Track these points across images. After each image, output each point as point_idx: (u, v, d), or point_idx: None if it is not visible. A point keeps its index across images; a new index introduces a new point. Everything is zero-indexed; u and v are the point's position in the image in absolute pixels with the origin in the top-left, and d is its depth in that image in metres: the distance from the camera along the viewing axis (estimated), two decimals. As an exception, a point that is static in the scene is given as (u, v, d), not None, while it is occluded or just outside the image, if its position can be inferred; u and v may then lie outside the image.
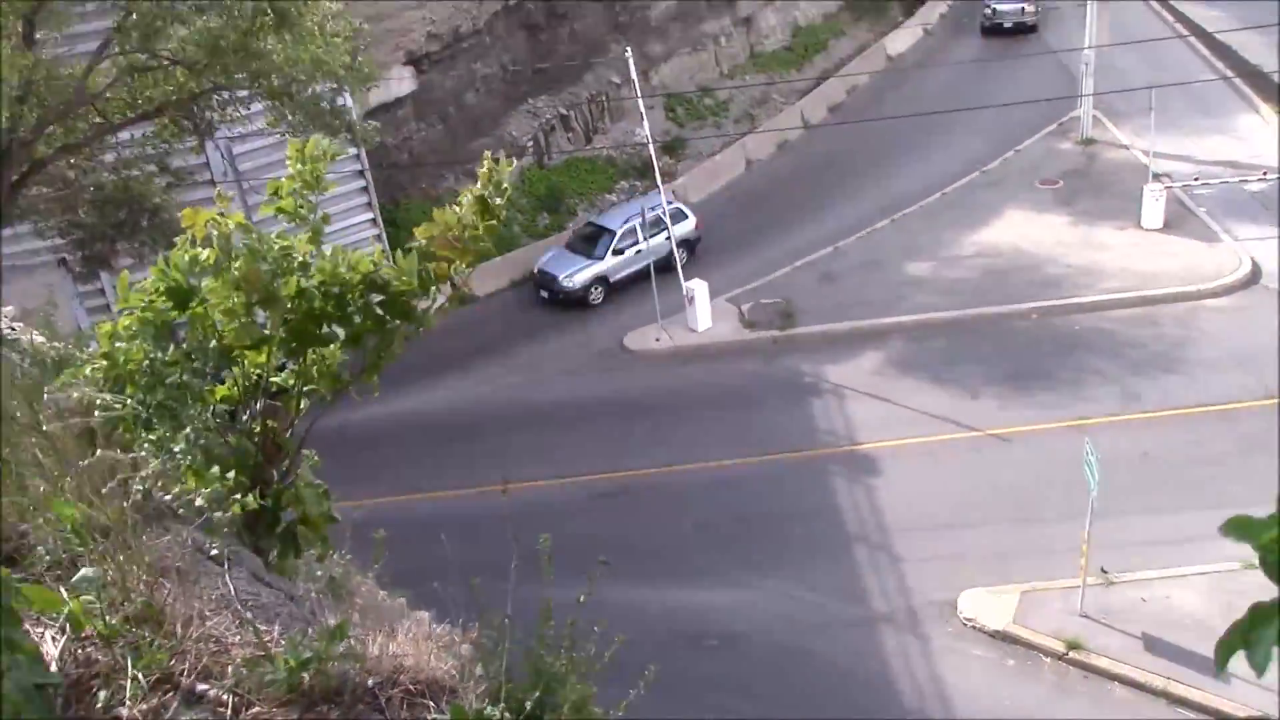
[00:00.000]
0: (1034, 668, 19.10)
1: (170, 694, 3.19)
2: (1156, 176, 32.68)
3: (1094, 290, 29.63)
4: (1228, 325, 27.49)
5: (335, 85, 20.18)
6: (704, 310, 29.96)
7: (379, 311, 5.70)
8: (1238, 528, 1.71)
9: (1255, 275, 29.40)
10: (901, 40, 48.38)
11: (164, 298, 5.31)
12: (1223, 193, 32.71)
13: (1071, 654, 18.91)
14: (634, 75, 31.85)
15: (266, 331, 5.29)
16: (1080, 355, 27.25)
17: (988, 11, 47.76)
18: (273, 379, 5.63)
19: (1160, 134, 33.19)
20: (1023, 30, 46.79)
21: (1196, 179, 33.26)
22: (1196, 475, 22.27)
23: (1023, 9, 47.02)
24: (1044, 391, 25.94)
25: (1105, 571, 19.79)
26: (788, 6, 47.36)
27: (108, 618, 3.24)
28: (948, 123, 36.66)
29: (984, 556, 21.10)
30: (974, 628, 19.85)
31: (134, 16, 17.47)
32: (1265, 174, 32.81)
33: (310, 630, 3.75)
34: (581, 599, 5.49)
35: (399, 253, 5.81)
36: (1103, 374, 26.37)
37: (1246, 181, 32.89)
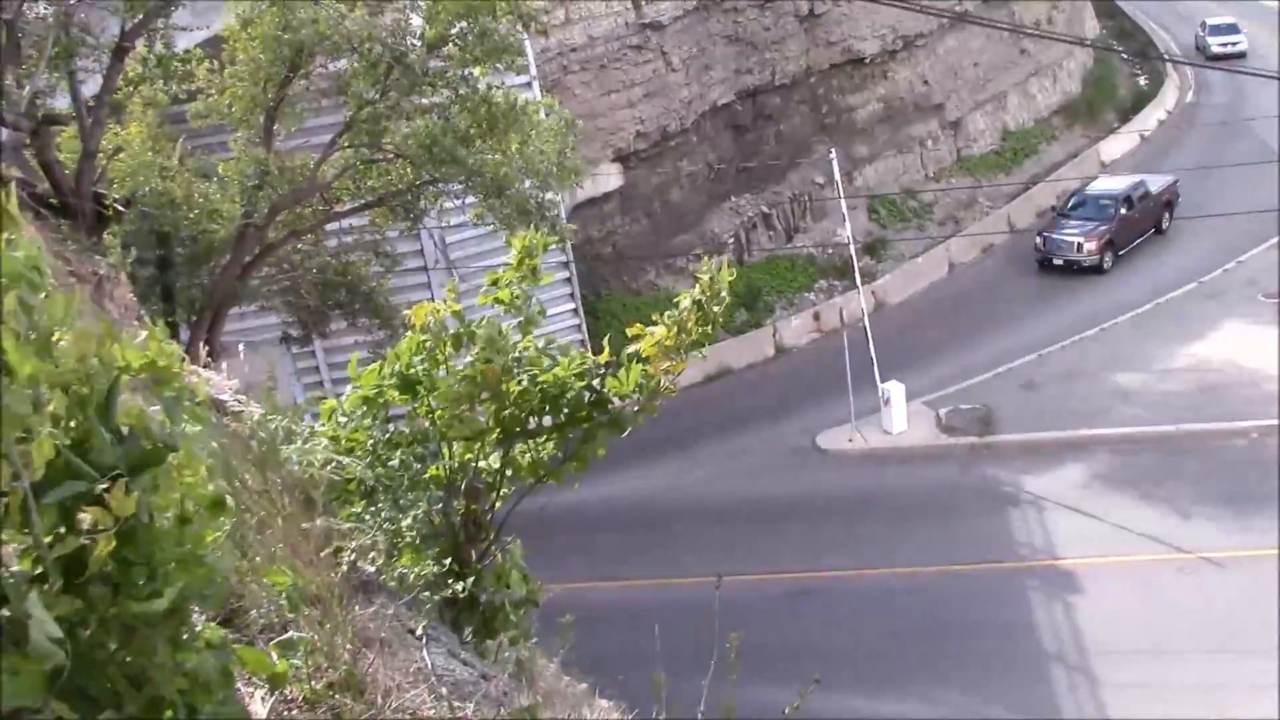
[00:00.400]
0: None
1: (368, 761, 3.31)
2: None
3: (1318, 410, 27.97)
4: None
5: (542, 184, 20.90)
6: (900, 413, 29.51)
7: (591, 412, 5.85)
8: None
9: None
10: (1117, 146, 47.23)
11: (393, 382, 5.58)
12: None
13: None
14: (837, 175, 31.97)
15: (483, 424, 5.50)
16: (1302, 479, 25.68)
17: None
18: (480, 464, 5.82)
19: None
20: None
21: None
22: None
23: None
24: (1260, 516, 24.47)
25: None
26: (997, 111, 46.94)
27: (313, 683, 3.38)
28: (1166, 235, 35.49)
29: (1188, 687, 19.88)
30: (1178, 762, 18.72)
31: (364, 114, 18.54)
32: None
33: (502, 709, 3.83)
34: (789, 709, 5.42)
35: (623, 368, 5.93)
36: (1326, 500, 24.76)
37: None
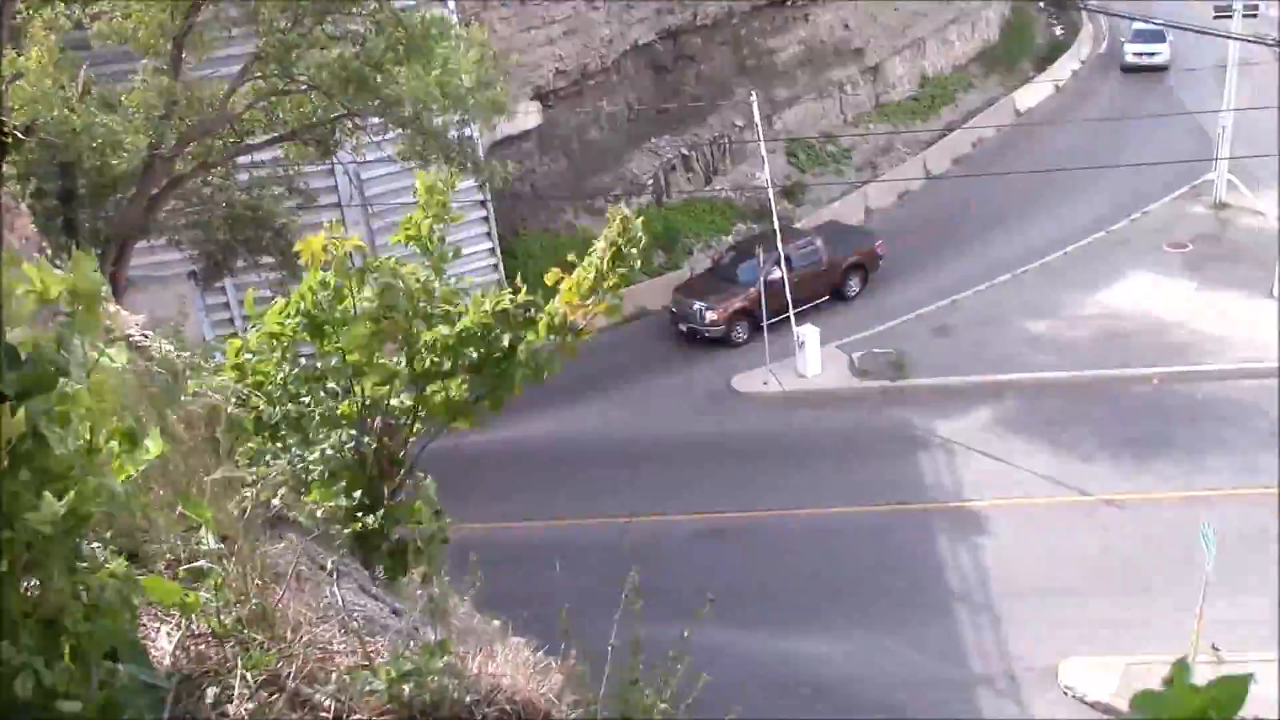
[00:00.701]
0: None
1: (276, 696, 3.28)
2: (1292, 245, 31.69)
3: (1219, 359, 28.79)
4: (1361, 402, 26.46)
5: (462, 116, 20.60)
6: (814, 356, 29.79)
7: (508, 355, 5.81)
8: (1141, 704, 1.62)
9: (1393, 352, 28.27)
10: (1032, 95, 47.79)
11: (298, 321, 5.48)
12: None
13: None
14: (757, 118, 31.95)
15: (395, 367, 5.43)
16: (1201, 425, 26.46)
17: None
18: (393, 404, 5.77)
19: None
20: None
21: (1334, 249, 32.18)
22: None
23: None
24: (1161, 460, 25.24)
25: (1217, 649, 19.07)
26: (916, 57, 47.18)
27: (222, 617, 3.34)
28: (1075, 180, 36.04)
29: (1089, 625, 20.52)
30: (1074, 697, 19.30)
31: (275, 42, 18.09)
32: None
33: (413, 644, 3.82)
34: (686, 634, 5.48)
35: (538, 305, 5.89)
36: (1224, 445, 25.55)
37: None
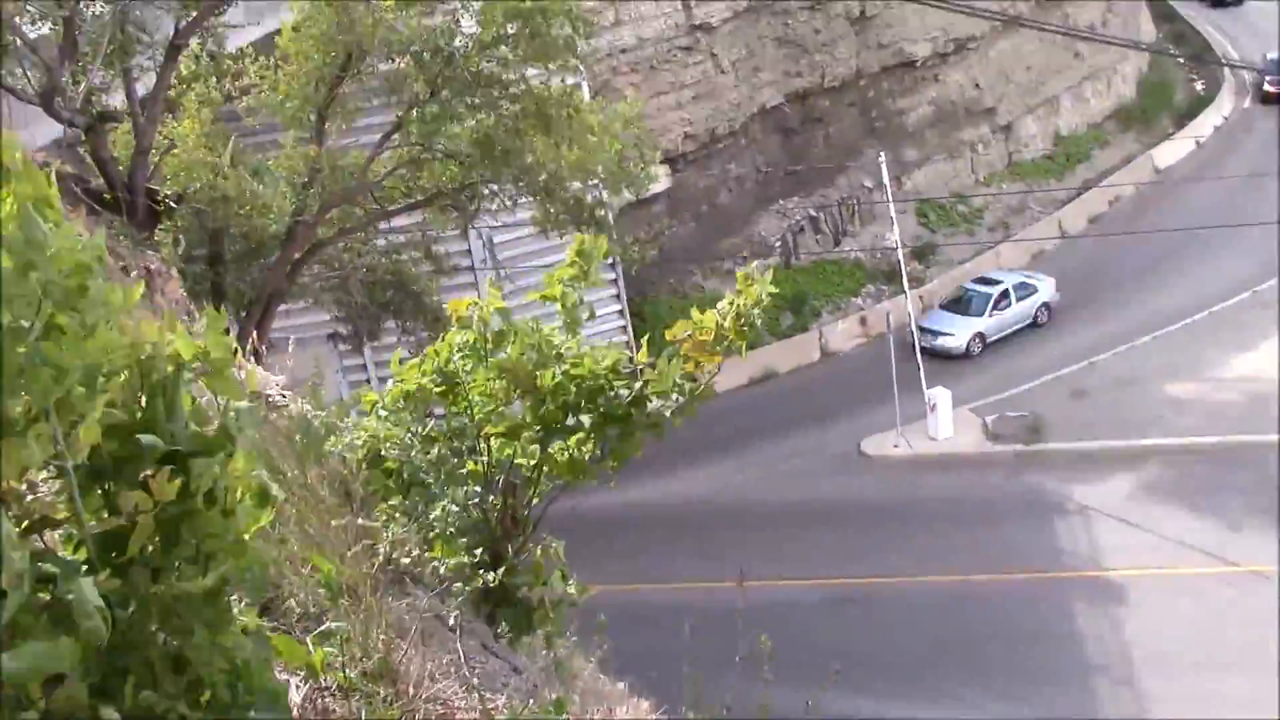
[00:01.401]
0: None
1: (398, 749, 3.36)
2: None
3: (1372, 424, 27.53)
4: None
5: (598, 183, 20.98)
6: (946, 419, 29.33)
7: (629, 411, 5.89)
8: None
9: None
10: (1171, 152, 46.66)
11: (433, 377, 5.65)
12: None
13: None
14: (886, 179, 31.83)
15: (520, 419, 5.55)
16: (1355, 492, 25.28)
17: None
18: (518, 461, 5.88)
19: None
20: None
21: None
22: None
23: None
24: (1314, 529, 24.16)
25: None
26: (1050, 115, 46.53)
27: (347, 671, 3.44)
28: (1218, 239, 35.03)
29: (1237, 701, 19.62)
30: (1225, 778, 18.47)
31: (415, 114, 18.70)
32: None
33: (532, 703, 3.87)
34: (810, 703, 5.44)
35: (660, 359, 5.98)
36: (1380, 514, 24.36)
37: None
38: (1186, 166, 45.64)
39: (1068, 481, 27.20)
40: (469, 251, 29.11)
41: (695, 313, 6.21)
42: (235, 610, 2.90)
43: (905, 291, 31.27)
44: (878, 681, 20.89)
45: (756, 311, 6.00)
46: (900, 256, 32.18)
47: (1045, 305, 35.87)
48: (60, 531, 2.61)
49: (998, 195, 42.04)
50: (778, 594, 23.44)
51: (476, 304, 5.75)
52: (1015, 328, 34.98)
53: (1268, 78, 48.49)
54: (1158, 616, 22.28)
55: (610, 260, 30.31)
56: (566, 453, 5.83)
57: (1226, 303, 34.32)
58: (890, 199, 32.33)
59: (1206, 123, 49.02)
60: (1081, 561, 24.46)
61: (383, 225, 22.36)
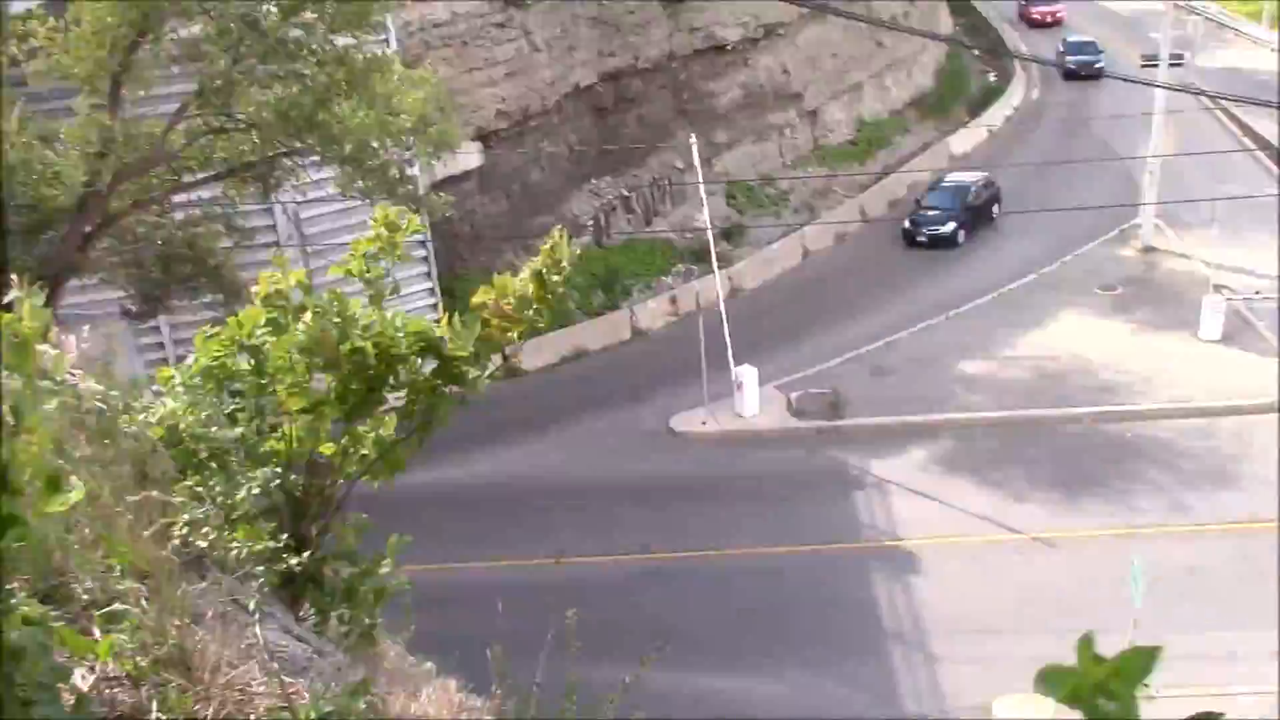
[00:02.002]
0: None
1: (193, 738, 3.27)
2: (1217, 288, 32.49)
3: (1149, 399, 29.36)
4: (1283, 442, 27.08)
5: (405, 153, 20.63)
6: (752, 396, 29.98)
7: (432, 377, 5.83)
8: (1047, 679, 1.62)
9: (1314, 393, 29.01)
10: (966, 140, 48.69)
11: (232, 350, 5.48)
12: (1283, 308, 32.49)
13: (1109, 769, 18.41)
14: (696, 161, 32.26)
15: (322, 394, 5.44)
16: (1132, 464, 26.95)
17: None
18: (322, 441, 5.76)
19: (1222, 246, 33.08)
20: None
21: (1257, 293, 33.02)
22: (1244, 592, 21.83)
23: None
24: (1092, 498, 25.65)
25: (1147, 685, 19.27)
26: (853, 102, 47.90)
27: (138, 659, 3.33)
28: (1007, 225, 36.75)
29: (1022, 662, 20.58)
30: (1009, 735, 19.46)
31: (216, 81, 18.04)
32: (1327, 292, 32.65)
33: (335, 685, 3.82)
34: (628, 680, 5.51)
35: (455, 318, 5.95)
36: (1154, 484, 26.04)
37: (1308, 298, 32.73)
38: (980, 153, 47.70)
39: (866, 456, 28.16)
40: (274, 226, 28.28)
41: (496, 278, 6.19)
42: (14, 599, 2.78)
43: (714, 271, 31.77)
44: (687, 654, 21.29)
45: (559, 276, 6.01)
46: (710, 237, 32.67)
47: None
48: None
49: (804, 179, 43.09)
50: (590, 571, 23.66)
51: (277, 279, 5.61)
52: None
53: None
54: (949, 583, 23.30)
55: (423, 238, 29.95)
56: (372, 432, 5.76)
57: (1014, 284, 36.00)
58: (700, 180, 32.80)
59: (998, 113, 51.34)
60: (879, 532, 25.39)
61: (181, 197, 21.54)
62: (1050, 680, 1.63)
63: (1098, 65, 51.99)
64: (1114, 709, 1.61)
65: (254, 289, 6.05)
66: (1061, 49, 55.55)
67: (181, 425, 5.36)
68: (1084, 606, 21.84)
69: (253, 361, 5.63)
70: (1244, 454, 26.85)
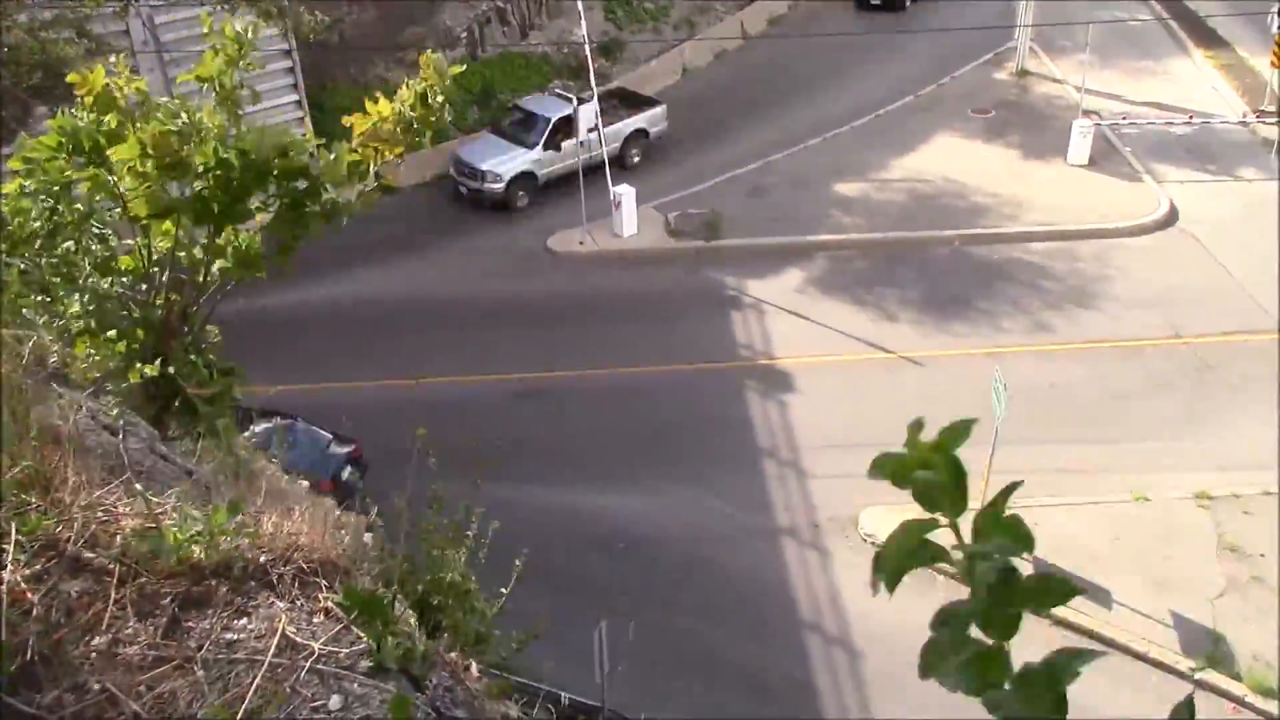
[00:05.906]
0: (928, 584, 19.53)
1: (54, 561, 3.14)
2: (1086, 113, 32.95)
3: (1016, 222, 29.97)
4: (1143, 265, 28.00)
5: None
6: (630, 216, 29.80)
7: (300, 195, 5.59)
8: (877, 464, 1.72)
9: (1173, 217, 29.92)
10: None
11: (64, 155, 5.14)
12: (1149, 134, 33.17)
13: (965, 573, 19.35)
14: (574, -28, 31.19)
15: (176, 199, 5.15)
16: (998, 285, 27.63)
17: None
18: (181, 253, 5.50)
19: (1094, 71, 33.41)
20: None
21: (1125, 118, 33.65)
22: (1100, 409, 22.86)
23: None
24: (960, 319, 26.32)
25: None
26: (735, -87, 46.59)
27: (-10, 484, 3.17)
28: (885, 45, 36.56)
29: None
30: (873, 544, 20.24)
31: None
32: (1191, 118, 33.40)
33: (206, 504, 3.71)
34: (478, 483, 5.50)
35: (331, 148, 5.68)
36: (1018, 305, 26.79)
37: (1172, 124, 33.46)
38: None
39: (743, 276, 28.35)
40: (128, 32, 26.73)
41: (370, 104, 5.92)
42: None
43: (592, 87, 31.10)
44: (561, 470, 21.63)
45: (439, 98, 5.76)
46: (588, 52, 31.88)
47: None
48: None
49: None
50: (462, 390, 23.66)
51: (114, 80, 5.24)
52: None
53: None
54: (820, 401, 23.88)
55: (286, 48, 28.65)
56: (233, 244, 5.51)
57: (891, 106, 36.04)
58: (578, -8, 31.78)
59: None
60: (754, 352, 25.77)
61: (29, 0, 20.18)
62: (879, 465, 1.73)
63: None
64: (930, 476, 1.72)
65: (82, 82, 5.67)
66: None
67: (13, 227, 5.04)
68: (949, 421, 22.61)
69: (93, 163, 5.29)
70: (1104, 277, 27.70)
